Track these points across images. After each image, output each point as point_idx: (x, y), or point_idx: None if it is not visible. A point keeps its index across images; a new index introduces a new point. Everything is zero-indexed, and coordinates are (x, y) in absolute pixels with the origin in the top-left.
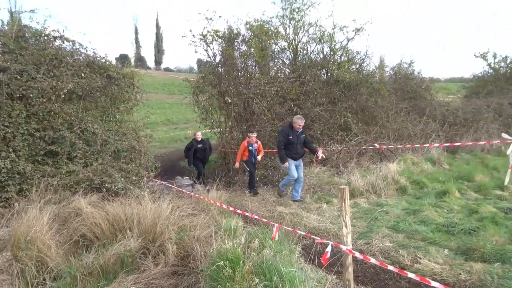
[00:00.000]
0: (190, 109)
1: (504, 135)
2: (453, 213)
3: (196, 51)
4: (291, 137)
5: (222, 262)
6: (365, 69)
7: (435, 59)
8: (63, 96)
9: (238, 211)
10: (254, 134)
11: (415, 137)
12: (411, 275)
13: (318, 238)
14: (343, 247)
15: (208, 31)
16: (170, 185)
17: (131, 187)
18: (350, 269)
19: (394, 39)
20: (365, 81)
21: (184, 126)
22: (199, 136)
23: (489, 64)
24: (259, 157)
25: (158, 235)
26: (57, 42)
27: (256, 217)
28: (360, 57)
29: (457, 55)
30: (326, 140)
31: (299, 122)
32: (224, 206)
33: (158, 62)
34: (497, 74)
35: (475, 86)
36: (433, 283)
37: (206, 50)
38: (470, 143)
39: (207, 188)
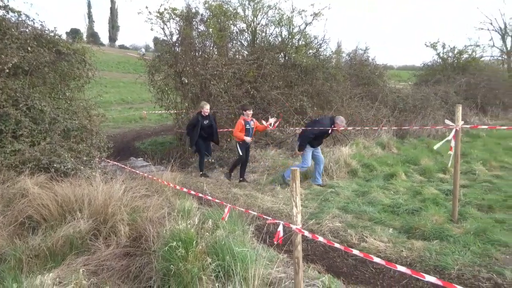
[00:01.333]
0: (145, 88)
1: (447, 121)
2: (399, 195)
3: (152, 29)
4: (329, 134)
5: (175, 243)
6: (322, 54)
7: (390, 46)
8: (7, 70)
9: (192, 192)
10: (251, 111)
11: (368, 122)
12: (356, 252)
13: (270, 218)
14: (293, 227)
15: (165, 9)
16: (123, 166)
17: (82, 167)
18: (299, 247)
19: (351, 25)
20: (322, 66)
21: (139, 106)
22: (207, 110)
23: (438, 54)
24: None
25: (110, 216)
26: (1, 12)
27: (209, 198)
28: (318, 42)
29: (412, 44)
30: (282, 123)
31: (342, 124)
32: (178, 187)
33: (112, 38)
34: (445, 64)
35: (425, 74)
36: (376, 259)
37: (163, 29)
38: (417, 127)
39: (202, 173)
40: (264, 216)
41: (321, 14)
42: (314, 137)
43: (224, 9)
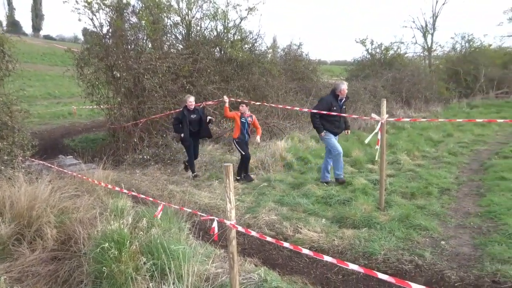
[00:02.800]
0: (74, 82)
1: (374, 115)
2: (332, 186)
3: (80, 20)
4: (334, 107)
5: (107, 244)
6: (258, 49)
7: (324, 42)
8: None
9: (125, 190)
10: (244, 107)
11: (302, 116)
12: (286, 244)
13: (205, 215)
14: (227, 222)
15: None
16: (50, 165)
17: (2, 167)
18: (234, 242)
19: (287, 21)
20: (257, 61)
21: (68, 101)
22: (191, 103)
23: (367, 50)
24: (258, 138)
25: (35, 219)
26: None
27: (142, 196)
28: (253, 37)
29: (345, 40)
30: (219, 118)
31: (344, 87)
32: (110, 186)
33: (36, 28)
34: (373, 59)
35: (355, 70)
36: (304, 251)
37: (92, 19)
38: (346, 115)
39: (193, 174)
40: (198, 213)
41: (255, 9)
42: (321, 117)
43: (157, 1)
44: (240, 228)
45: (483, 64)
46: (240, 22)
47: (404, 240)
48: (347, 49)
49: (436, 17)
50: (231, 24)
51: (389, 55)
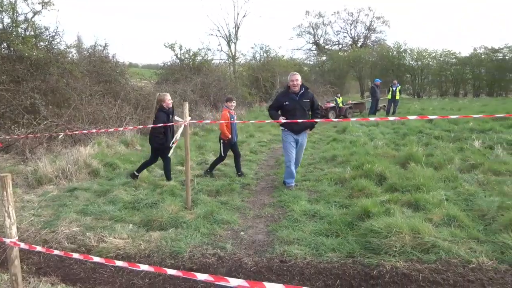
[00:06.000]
0: None
1: (177, 118)
2: (140, 190)
3: None
4: (286, 102)
5: None
6: (56, 47)
7: (137, 45)
8: None
9: None
10: (234, 103)
11: (110, 120)
12: (75, 255)
13: None
14: (7, 240)
15: None
16: None
17: None
18: (17, 262)
19: (96, 20)
20: (56, 61)
21: None
22: (170, 101)
23: (176, 55)
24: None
25: None
26: None
27: None
28: (50, 34)
29: (158, 44)
30: (8, 124)
31: (291, 77)
32: None
33: None
34: (182, 64)
35: (165, 73)
36: (95, 259)
37: None
38: (131, 127)
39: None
40: None
41: (51, 4)
42: (276, 110)
43: None
44: (23, 245)
45: (278, 73)
46: (33, 17)
47: (208, 235)
48: (159, 53)
49: (238, 28)
50: (21, 18)
51: (197, 60)
